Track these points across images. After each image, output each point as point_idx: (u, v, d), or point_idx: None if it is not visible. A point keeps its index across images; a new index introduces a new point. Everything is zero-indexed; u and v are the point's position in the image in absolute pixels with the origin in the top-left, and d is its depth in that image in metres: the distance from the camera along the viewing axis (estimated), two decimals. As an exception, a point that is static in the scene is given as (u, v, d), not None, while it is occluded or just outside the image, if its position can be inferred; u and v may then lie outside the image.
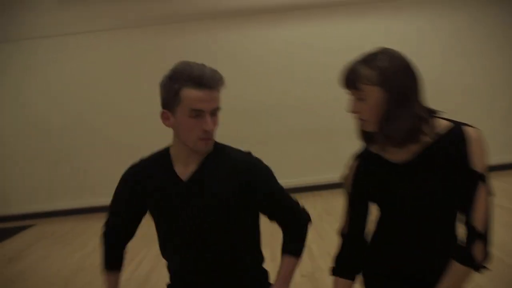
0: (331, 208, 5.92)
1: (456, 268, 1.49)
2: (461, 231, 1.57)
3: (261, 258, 1.93)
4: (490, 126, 6.60)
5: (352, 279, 1.76)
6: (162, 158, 1.81)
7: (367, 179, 1.66)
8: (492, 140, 6.57)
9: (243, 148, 1.83)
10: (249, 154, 1.81)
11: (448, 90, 6.69)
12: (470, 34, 6.78)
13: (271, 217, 1.86)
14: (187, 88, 1.59)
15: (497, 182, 6.03)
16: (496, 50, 6.80)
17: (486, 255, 1.49)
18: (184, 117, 1.62)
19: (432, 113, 1.56)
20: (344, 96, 1.67)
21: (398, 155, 1.59)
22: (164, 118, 1.69)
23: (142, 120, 6.77)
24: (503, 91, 6.89)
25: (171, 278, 1.91)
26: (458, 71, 6.81)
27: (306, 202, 6.14)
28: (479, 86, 6.86)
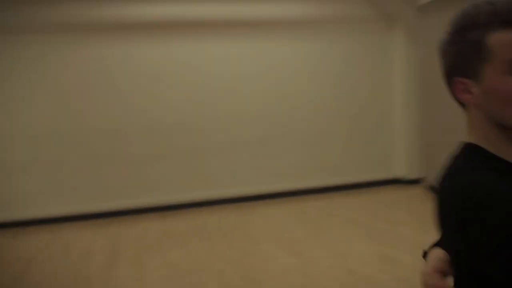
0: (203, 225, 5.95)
1: None
2: None
3: None
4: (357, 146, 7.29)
5: None
6: (489, 161, 1.09)
7: None
8: (357, 159, 7.26)
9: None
10: None
11: (321, 109, 7.28)
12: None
13: None
14: (497, 32, 1.04)
15: (353, 200, 6.72)
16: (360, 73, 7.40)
17: None
18: (500, 77, 1.04)
19: None
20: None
21: None
22: (460, 90, 1.10)
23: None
24: (368, 113, 7.53)
25: None
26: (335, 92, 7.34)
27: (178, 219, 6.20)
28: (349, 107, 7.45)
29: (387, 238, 4.89)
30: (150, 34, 6.67)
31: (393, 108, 7.56)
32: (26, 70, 6.31)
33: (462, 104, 1.13)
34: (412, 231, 5.34)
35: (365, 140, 7.46)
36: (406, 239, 4.86)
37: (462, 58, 1.08)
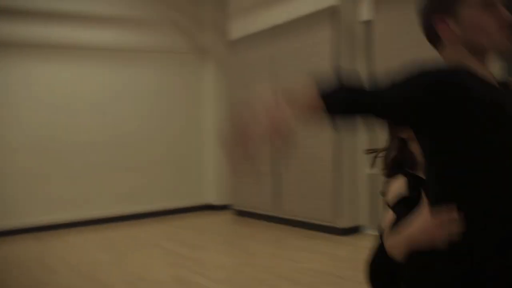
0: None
1: None
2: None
3: None
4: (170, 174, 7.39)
5: None
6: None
7: None
8: (170, 187, 7.46)
9: None
10: None
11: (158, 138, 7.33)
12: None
13: None
14: None
15: (164, 226, 6.89)
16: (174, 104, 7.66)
17: None
18: (474, 12, 1.29)
19: None
20: None
21: None
22: (441, 28, 1.33)
23: None
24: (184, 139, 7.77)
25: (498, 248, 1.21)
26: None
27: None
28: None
29: (187, 262, 5.11)
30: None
31: (204, 138, 7.98)
32: None
33: (436, 43, 1.36)
34: (213, 254, 5.68)
35: (177, 168, 7.73)
36: (205, 262, 5.15)
37: (440, 1, 1.32)
